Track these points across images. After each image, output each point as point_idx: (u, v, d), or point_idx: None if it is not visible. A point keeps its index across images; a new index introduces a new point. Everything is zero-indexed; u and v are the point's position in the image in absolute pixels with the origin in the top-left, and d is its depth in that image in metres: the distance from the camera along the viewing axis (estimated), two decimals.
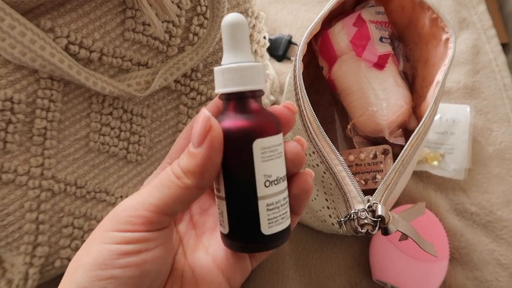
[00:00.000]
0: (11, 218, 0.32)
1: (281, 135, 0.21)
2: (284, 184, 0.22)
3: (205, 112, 0.20)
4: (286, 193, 0.22)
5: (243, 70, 0.21)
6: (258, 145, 0.20)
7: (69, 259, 0.35)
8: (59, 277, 0.40)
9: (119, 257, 0.19)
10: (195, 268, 0.23)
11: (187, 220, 0.26)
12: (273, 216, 0.21)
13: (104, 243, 0.20)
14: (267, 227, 0.21)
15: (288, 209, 0.22)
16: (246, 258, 0.24)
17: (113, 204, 0.37)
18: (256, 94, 0.21)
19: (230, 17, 0.21)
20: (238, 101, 0.21)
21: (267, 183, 0.21)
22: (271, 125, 0.21)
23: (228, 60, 0.21)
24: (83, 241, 0.36)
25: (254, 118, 0.21)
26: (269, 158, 0.20)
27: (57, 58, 0.28)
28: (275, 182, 0.21)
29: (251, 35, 0.39)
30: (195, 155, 0.19)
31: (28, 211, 0.32)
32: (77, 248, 0.35)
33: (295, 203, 0.23)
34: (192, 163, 0.20)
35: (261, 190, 0.20)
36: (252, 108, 0.21)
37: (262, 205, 0.21)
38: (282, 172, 0.21)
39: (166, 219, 0.20)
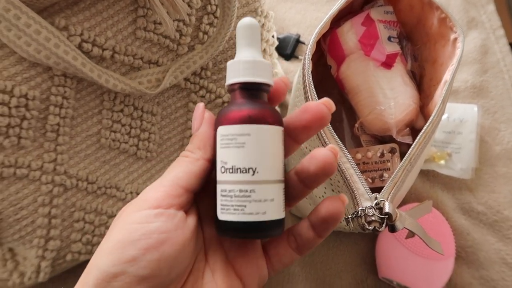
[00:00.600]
0: (25, 212, 0.33)
1: (245, 126, 0.21)
2: (245, 176, 0.21)
3: (200, 104, 0.24)
4: (246, 187, 0.21)
5: (236, 64, 0.23)
6: (220, 131, 0.22)
7: (80, 253, 0.36)
8: (70, 271, 0.40)
9: (140, 238, 0.20)
10: (215, 271, 0.23)
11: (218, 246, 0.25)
12: (225, 204, 0.22)
13: (126, 224, 0.21)
14: (220, 212, 0.22)
15: (247, 205, 0.21)
16: (262, 263, 0.24)
17: (123, 200, 0.37)
18: (233, 87, 0.23)
19: (247, 19, 0.23)
20: (231, 92, 0.24)
21: (223, 169, 0.22)
22: (234, 115, 0.22)
23: (242, 55, 0.23)
24: (93, 236, 0.36)
25: (227, 107, 0.23)
26: (226, 146, 0.22)
27: (70, 56, 0.29)
28: (230, 171, 0.22)
29: (260, 34, 0.39)
30: (197, 135, 0.23)
31: (41, 206, 0.33)
32: (88, 242, 0.36)
33: (321, 225, 0.23)
34: (196, 141, 0.23)
35: (218, 175, 0.22)
36: (235, 99, 0.23)
37: (218, 189, 0.22)
38: (243, 164, 0.21)
39: (183, 194, 0.22)
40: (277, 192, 0.22)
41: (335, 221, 0.23)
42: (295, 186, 0.23)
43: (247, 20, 0.23)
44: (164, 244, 0.20)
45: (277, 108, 0.27)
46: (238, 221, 0.21)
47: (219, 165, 0.22)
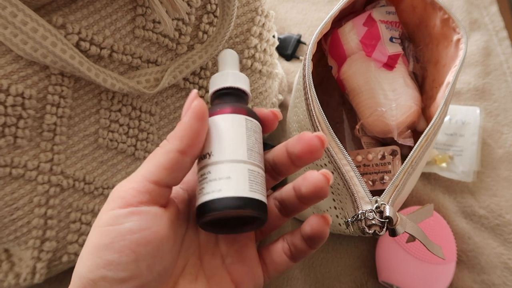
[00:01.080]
0: (20, 212, 0.32)
1: (209, 119, 0.24)
2: (204, 161, 0.23)
3: (193, 90, 0.23)
4: (204, 170, 0.23)
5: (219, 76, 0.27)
6: (211, 121, 0.24)
7: (76, 255, 0.36)
8: (66, 272, 0.40)
9: (113, 240, 0.19)
10: (211, 277, 0.23)
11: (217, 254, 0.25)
12: (197, 187, 0.23)
13: (98, 227, 0.20)
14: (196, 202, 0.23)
15: (205, 186, 0.22)
16: (259, 270, 0.24)
17: None
18: (222, 92, 0.26)
19: (225, 50, 0.28)
20: (214, 99, 0.27)
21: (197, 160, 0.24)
22: (220, 108, 0.24)
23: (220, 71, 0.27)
24: None
25: (213, 107, 0.25)
26: None
27: (68, 55, 0.28)
28: (197, 161, 0.24)
29: (260, 34, 0.39)
30: (179, 123, 0.22)
31: (37, 206, 0.33)
32: (84, 244, 0.36)
33: (308, 240, 0.23)
34: (176, 129, 0.22)
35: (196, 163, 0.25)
36: (218, 103, 0.26)
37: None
38: (203, 151, 0.23)
39: (155, 189, 0.21)
40: (235, 171, 0.22)
41: (320, 239, 0.23)
42: (292, 200, 0.24)
43: (225, 50, 0.28)
44: (138, 245, 0.20)
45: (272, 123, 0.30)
46: (200, 203, 0.22)
47: None
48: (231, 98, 0.26)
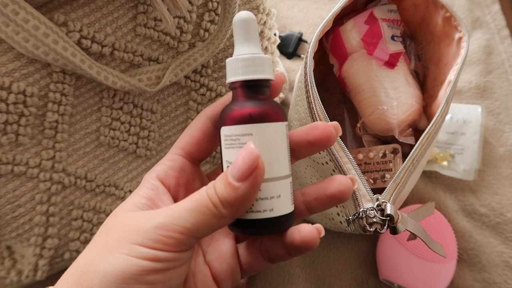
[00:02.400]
0: (22, 209, 0.32)
1: (247, 126, 0.21)
2: None
3: (251, 147, 0.20)
4: None
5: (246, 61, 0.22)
6: (223, 132, 0.22)
7: (78, 252, 0.36)
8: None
9: (148, 273, 0.19)
10: (195, 274, 0.23)
11: None
12: None
13: (130, 256, 0.19)
14: None
15: (255, 203, 0.21)
16: (236, 268, 0.24)
17: (122, 198, 0.37)
18: (234, 85, 0.22)
19: (242, 13, 0.22)
20: (232, 90, 0.23)
21: None
22: (236, 114, 0.21)
23: (240, 51, 0.22)
24: (92, 234, 0.36)
25: (229, 106, 0.22)
26: (230, 146, 0.22)
27: (69, 52, 0.28)
28: None
29: (261, 32, 0.39)
30: (236, 189, 0.19)
31: (38, 203, 0.33)
32: (86, 241, 0.36)
33: (293, 249, 0.22)
34: (232, 196, 0.19)
35: None
36: (237, 97, 0.22)
37: None
38: None
39: (194, 241, 0.20)
40: (283, 188, 0.22)
41: (309, 249, 0.22)
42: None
43: (242, 14, 0.22)
44: (170, 280, 0.20)
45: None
46: (248, 219, 0.22)
47: (225, 164, 0.22)
48: (267, 95, 0.23)
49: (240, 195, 0.19)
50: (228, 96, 0.25)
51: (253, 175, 0.19)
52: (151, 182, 0.23)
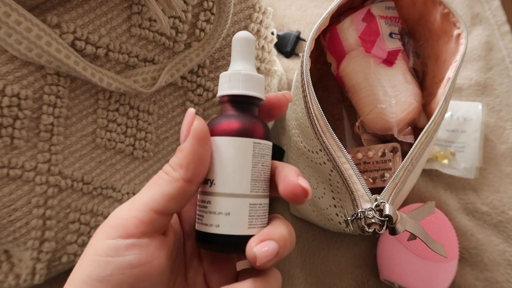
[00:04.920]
0: (19, 213, 0.32)
1: (213, 138, 0.22)
2: (205, 187, 0.22)
3: (190, 109, 0.21)
4: (204, 198, 0.22)
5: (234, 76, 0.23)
6: (213, 142, 0.22)
7: (75, 255, 0.36)
8: (66, 273, 0.40)
9: (111, 273, 0.18)
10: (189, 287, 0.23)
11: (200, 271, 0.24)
12: (198, 213, 0.22)
13: (95, 255, 0.19)
14: (196, 221, 0.23)
15: (204, 215, 0.21)
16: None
17: (120, 201, 0.37)
18: (235, 99, 0.23)
19: (242, 33, 0.23)
20: (222, 103, 0.24)
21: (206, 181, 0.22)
22: (225, 126, 0.22)
23: (235, 68, 0.23)
24: (89, 237, 0.36)
25: (219, 118, 0.23)
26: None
27: (63, 54, 0.28)
28: (204, 181, 0.22)
29: (258, 31, 0.39)
30: (181, 149, 0.20)
31: (35, 207, 0.33)
32: (83, 244, 0.36)
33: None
34: (179, 156, 0.20)
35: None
36: (225, 111, 0.23)
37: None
38: (206, 176, 0.22)
39: (159, 219, 0.20)
40: (236, 207, 0.21)
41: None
42: None
43: (242, 34, 0.23)
44: (138, 280, 0.19)
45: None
46: (198, 230, 0.22)
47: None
48: (241, 110, 0.23)
49: (186, 152, 0.20)
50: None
51: (192, 130, 0.20)
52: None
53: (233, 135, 0.21)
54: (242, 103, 0.23)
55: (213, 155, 0.21)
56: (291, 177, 0.21)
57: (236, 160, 0.21)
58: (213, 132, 0.22)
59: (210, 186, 0.21)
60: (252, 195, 0.21)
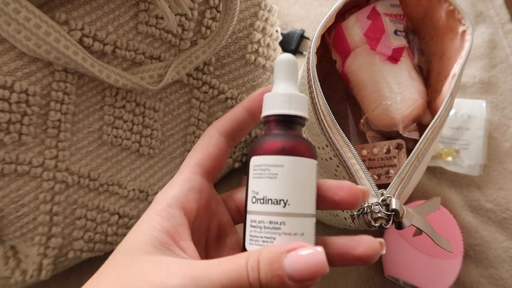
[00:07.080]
0: (26, 209, 0.32)
1: (279, 157, 0.21)
2: (276, 208, 0.21)
3: (318, 250, 0.18)
4: (277, 219, 0.21)
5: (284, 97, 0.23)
6: (253, 162, 0.22)
7: (82, 251, 0.36)
8: (72, 268, 0.40)
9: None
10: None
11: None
12: (254, 235, 0.21)
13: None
14: (248, 243, 0.22)
15: (277, 237, 0.21)
16: None
17: (126, 197, 0.37)
18: (268, 119, 0.23)
19: (285, 55, 0.23)
20: (266, 123, 0.24)
21: (254, 200, 0.22)
22: (268, 145, 0.22)
23: (278, 89, 0.23)
24: (95, 233, 0.36)
25: (261, 137, 0.22)
26: (258, 176, 0.22)
27: (71, 51, 0.28)
28: (261, 201, 0.21)
29: (263, 28, 0.39)
30: (284, 284, 0.17)
31: (42, 203, 0.33)
32: (90, 240, 0.36)
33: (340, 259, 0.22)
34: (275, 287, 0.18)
35: (249, 205, 0.22)
36: (270, 130, 0.23)
37: (248, 219, 0.22)
38: (275, 195, 0.21)
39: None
40: (307, 227, 0.21)
41: (369, 262, 0.22)
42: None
43: (285, 56, 0.23)
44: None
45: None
46: None
47: (250, 195, 0.22)
48: (299, 132, 0.23)
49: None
50: (236, 111, 0.25)
51: (310, 282, 0.17)
52: (166, 210, 0.21)
53: (304, 155, 0.21)
54: (295, 123, 0.23)
55: (283, 174, 0.21)
56: (347, 184, 0.22)
57: (307, 180, 0.21)
58: (282, 151, 0.21)
59: (284, 206, 0.21)
60: (315, 215, 0.22)
